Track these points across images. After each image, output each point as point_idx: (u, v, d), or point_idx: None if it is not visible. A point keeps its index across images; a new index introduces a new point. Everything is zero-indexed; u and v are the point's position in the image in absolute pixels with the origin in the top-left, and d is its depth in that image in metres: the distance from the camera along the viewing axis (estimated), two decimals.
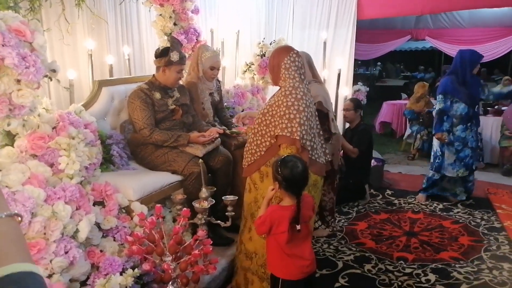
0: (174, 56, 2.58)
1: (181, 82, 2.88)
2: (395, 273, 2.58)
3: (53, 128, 1.97)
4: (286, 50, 2.18)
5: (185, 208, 2.13)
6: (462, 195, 3.80)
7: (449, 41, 8.05)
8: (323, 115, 2.64)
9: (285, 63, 2.11)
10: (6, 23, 1.58)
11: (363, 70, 12.73)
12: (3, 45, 1.51)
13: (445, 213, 3.57)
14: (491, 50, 7.69)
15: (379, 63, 13.44)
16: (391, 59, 13.28)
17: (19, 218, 0.65)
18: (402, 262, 2.72)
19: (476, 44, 7.65)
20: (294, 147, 2.01)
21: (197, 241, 2.06)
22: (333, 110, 3.47)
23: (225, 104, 3.44)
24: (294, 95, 2.03)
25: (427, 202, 3.81)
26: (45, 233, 1.67)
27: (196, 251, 1.99)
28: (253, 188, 2.21)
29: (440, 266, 2.66)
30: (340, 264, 2.67)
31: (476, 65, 3.63)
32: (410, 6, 4.51)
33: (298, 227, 1.73)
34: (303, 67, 2.16)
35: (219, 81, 3.28)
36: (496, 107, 5.79)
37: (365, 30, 7.09)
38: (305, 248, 1.83)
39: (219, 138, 2.75)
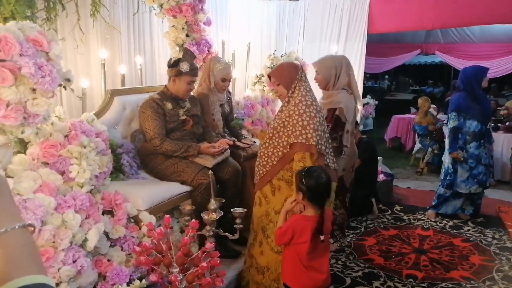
0: (184, 66, 2.60)
1: (192, 93, 2.90)
2: None
3: (65, 137, 1.99)
4: (295, 65, 2.28)
5: (193, 220, 2.12)
6: (469, 209, 3.76)
7: (459, 56, 8.03)
8: (340, 123, 2.64)
9: (299, 76, 2.16)
10: (24, 33, 1.61)
11: (371, 83, 12.74)
12: (20, 55, 1.54)
13: (455, 231, 3.51)
14: (501, 66, 7.65)
15: (386, 77, 13.45)
16: (400, 73, 13.28)
17: (32, 229, 0.65)
18: (411, 280, 2.67)
19: (486, 60, 7.62)
20: (308, 153, 2.01)
21: (205, 253, 2.05)
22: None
23: (235, 115, 3.45)
24: (304, 102, 2.08)
25: (437, 219, 3.76)
26: (54, 242, 1.68)
27: (204, 263, 1.98)
28: (264, 201, 2.20)
29: (450, 285, 2.61)
30: (348, 280, 2.63)
31: (482, 78, 3.58)
32: (421, 21, 4.51)
33: (322, 237, 1.74)
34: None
35: (229, 93, 3.30)
36: (507, 123, 5.74)
37: (375, 44, 7.10)
38: (323, 262, 1.84)
39: (228, 150, 2.75)
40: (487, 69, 3.68)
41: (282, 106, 2.19)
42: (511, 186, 4.92)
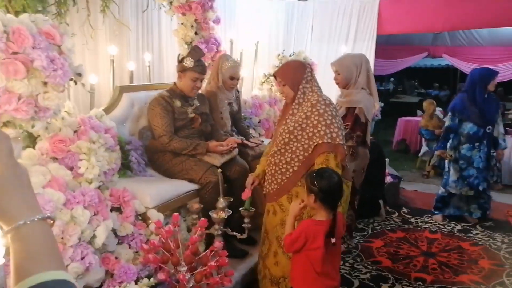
0: (187, 61, 2.58)
1: (200, 91, 2.88)
2: None
3: (74, 132, 1.97)
4: (302, 64, 2.16)
5: (202, 218, 2.10)
6: (476, 212, 3.71)
7: (466, 59, 7.97)
8: (359, 123, 2.62)
9: (306, 76, 2.07)
10: (37, 26, 1.59)
11: (377, 85, 12.67)
12: (33, 47, 1.52)
13: (463, 234, 3.47)
14: (508, 70, 7.59)
15: (391, 79, 13.39)
16: (405, 76, 13.22)
17: (52, 221, 0.63)
18: (420, 283, 2.64)
19: (494, 63, 7.55)
20: (331, 155, 1.91)
21: (213, 252, 2.02)
22: None
23: (243, 114, 3.42)
24: (323, 102, 2.01)
25: (445, 222, 3.72)
26: (62, 238, 1.66)
27: (212, 263, 1.96)
28: (279, 210, 2.09)
29: None
30: (356, 283, 2.60)
31: (487, 82, 3.51)
32: (431, 22, 4.47)
33: (333, 240, 1.69)
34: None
35: (238, 91, 3.28)
36: None
37: (382, 46, 7.05)
38: (335, 267, 1.79)
39: (236, 148, 2.73)
40: (495, 72, 3.60)
41: (292, 109, 2.06)
42: None
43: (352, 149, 2.62)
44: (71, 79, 1.81)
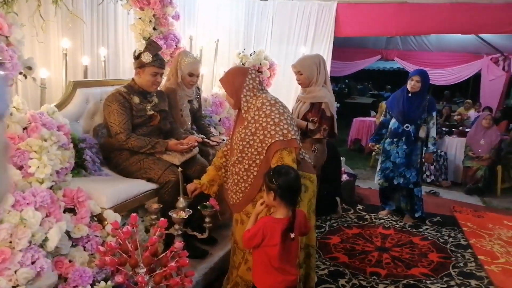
0: (145, 57, 2.52)
1: (160, 88, 2.81)
2: None
3: (24, 129, 1.86)
4: (242, 71, 2.10)
5: (162, 218, 2.05)
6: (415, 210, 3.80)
7: (416, 63, 8.37)
8: (325, 117, 2.76)
9: (247, 84, 2.03)
10: None
11: (333, 86, 13.01)
12: None
13: (414, 230, 3.65)
14: (454, 74, 8.10)
15: (346, 81, 13.83)
16: (359, 77, 13.70)
17: None
18: (375, 277, 2.74)
19: (441, 67, 8.05)
20: (285, 151, 1.90)
21: (173, 253, 1.98)
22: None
23: (203, 112, 3.38)
24: (267, 103, 1.98)
25: (397, 218, 3.89)
26: (11, 242, 1.56)
27: (172, 264, 1.92)
28: (246, 219, 2.05)
29: (412, 282, 2.70)
30: (315, 279, 2.65)
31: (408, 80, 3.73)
32: (385, 27, 4.66)
33: (292, 235, 1.71)
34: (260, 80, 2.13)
35: (199, 89, 3.23)
36: (460, 128, 6.08)
37: (338, 48, 7.26)
38: (293, 264, 1.81)
39: (197, 147, 2.69)
40: (411, 73, 3.81)
41: (243, 119, 2.03)
42: (463, 187, 5.19)
43: (313, 146, 2.70)
44: (21, 73, 1.71)
